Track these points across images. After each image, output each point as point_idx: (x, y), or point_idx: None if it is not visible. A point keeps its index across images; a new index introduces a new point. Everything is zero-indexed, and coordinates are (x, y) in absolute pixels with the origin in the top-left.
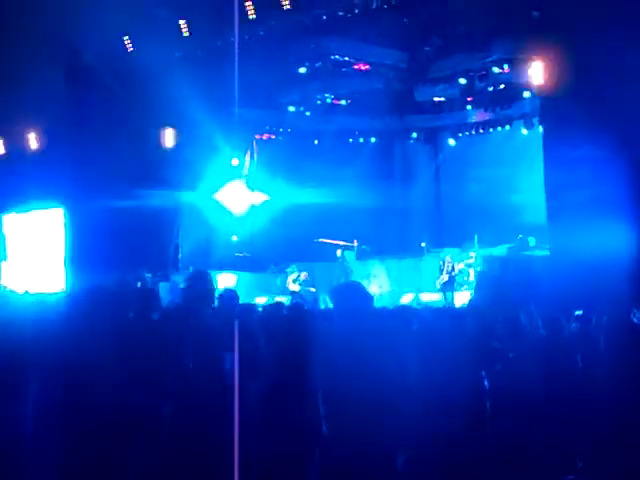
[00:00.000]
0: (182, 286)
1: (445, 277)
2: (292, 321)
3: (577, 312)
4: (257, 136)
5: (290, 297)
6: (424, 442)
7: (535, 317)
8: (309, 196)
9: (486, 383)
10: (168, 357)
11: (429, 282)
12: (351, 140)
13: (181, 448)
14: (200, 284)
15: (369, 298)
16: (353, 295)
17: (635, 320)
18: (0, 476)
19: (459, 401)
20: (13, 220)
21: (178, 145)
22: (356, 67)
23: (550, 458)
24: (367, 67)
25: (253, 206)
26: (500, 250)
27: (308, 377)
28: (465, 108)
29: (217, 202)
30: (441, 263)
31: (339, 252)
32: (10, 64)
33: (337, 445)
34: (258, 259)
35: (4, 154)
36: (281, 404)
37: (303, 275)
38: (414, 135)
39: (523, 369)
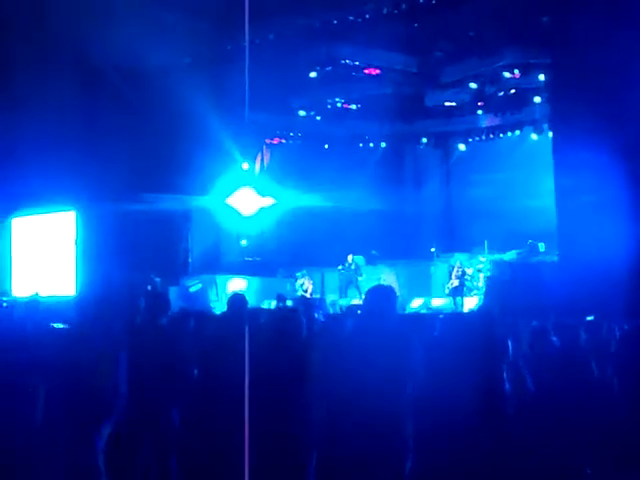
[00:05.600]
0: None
1: (455, 282)
2: (300, 325)
3: (588, 318)
4: (267, 140)
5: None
6: (438, 448)
7: (549, 325)
8: (319, 200)
9: (507, 387)
10: (175, 362)
11: (439, 287)
12: (361, 145)
13: (190, 450)
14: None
15: (395, 304)
16: (383, 297)
17: None
18: (8, 478)
19: (477, 406)
20: (23, 223)
21: (189, 150)
22: (366, 72)
23: (561, 465)
24: (377, 72)
25: (263, 210)
26: (510, 255)
27: (317, 380)
28: (475, 113)
29: (227, 206)
30: (451, 268)
31: (350, 257)
32: (22, 67)
33: (344, 449)
34: (268, 263)
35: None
36: (289, 408)
37: (307, 282)
38: (424, 140)
39: (535, 377)
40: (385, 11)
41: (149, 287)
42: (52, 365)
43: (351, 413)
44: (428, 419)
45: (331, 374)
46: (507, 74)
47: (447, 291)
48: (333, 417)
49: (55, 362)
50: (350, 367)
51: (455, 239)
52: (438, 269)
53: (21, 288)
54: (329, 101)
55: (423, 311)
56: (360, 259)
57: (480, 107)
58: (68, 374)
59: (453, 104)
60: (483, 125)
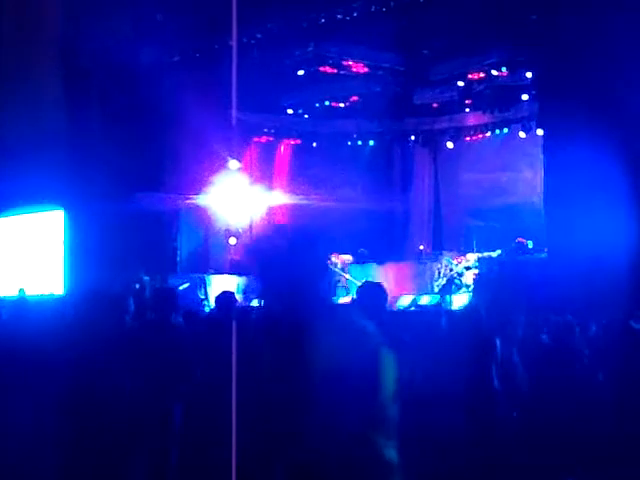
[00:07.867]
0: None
1: (443, 280)
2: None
3: (577, 316)
4: (255, 139)
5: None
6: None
7: (539, 322)
8: (307, 199)
9: (495, 384)
10: (174, 360)
11: (427, 285)
12: (349, 143)
13: (188, 448)
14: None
15: (385, 300)
16: (373, 294)
17: (635, 325)
18: (3, 477)
19: (465, 401)
20: (10, 223)
21: (177, 148)
22: (354, 70)
23: (550, 461)
24: (365, 70)
25: (251, 209)
26: (498, 253)
27: (309, 376)
28: (463, 111)
29: (215, 205)
30: (439, 266)
31: (335, 256)
32: (6, 65)
33: (335, 447)
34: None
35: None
36: (282, 405)
37: None
38: (412, 138)
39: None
40: (373, 9)
41: (137, 286)
42: (42, 363)
43: (340, 410)
44: (417, 417)
45: (321, 369)
46: (495, 72)
47: (436, 289)
48: (324, 414)
49: (45, 360)
50: (340, 363)
51: (443, 237)
52: (427, 267)
53: (8, 287)
54: (317, 99)
55: (412, 309)
56: (348, 258)
57: (468, 105)
58: (58, 372)
59: (441, 102)
60: (471, 123)
